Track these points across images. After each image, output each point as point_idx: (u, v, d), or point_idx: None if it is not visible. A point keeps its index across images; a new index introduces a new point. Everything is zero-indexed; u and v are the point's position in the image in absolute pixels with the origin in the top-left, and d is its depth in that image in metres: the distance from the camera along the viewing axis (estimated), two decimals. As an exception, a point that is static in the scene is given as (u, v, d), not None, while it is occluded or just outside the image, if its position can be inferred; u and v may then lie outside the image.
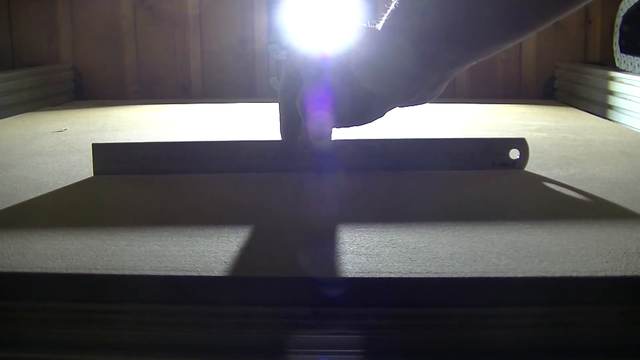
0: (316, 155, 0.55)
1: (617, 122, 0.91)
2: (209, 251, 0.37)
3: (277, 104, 0.53)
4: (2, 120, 0.95)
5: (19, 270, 0.34)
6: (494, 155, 0.57)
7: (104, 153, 0.56)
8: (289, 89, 0.51)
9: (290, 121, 0.53)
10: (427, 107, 0.55)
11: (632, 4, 1.00)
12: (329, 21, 1.20)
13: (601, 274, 0.33)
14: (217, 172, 0.56)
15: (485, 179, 0.56)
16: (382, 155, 0.58)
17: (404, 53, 0.45)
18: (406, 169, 0.57)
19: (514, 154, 0.58)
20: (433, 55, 0.45)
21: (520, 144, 0.58)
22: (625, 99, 0.90)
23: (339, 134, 0.53)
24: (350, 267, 0.34)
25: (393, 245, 0.38)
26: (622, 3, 1.03)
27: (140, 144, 0.58)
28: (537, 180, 0.55)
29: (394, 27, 0.46)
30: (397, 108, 0.51)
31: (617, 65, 1.03)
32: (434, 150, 0.58)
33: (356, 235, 0.40)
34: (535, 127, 0.84)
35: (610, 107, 0.95)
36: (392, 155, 0.58)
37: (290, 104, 0.51)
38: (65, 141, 0.75)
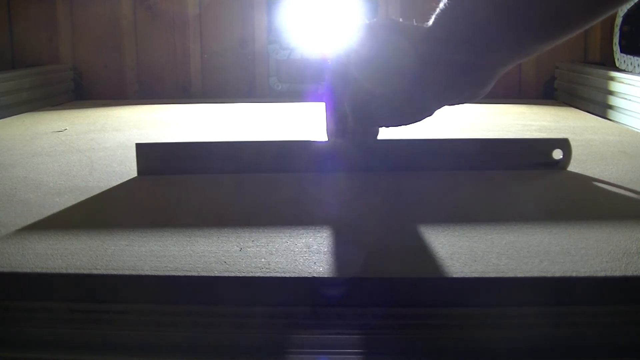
0: (363, 154, 0.55)
1: (617, 122, 0.91)
2: (209, 251, 0.37)
3: (324, 103, 0.54)
4: (2, 120, 0.95)
5: (19, 270, 0.34)
6: (536, 155, 0.58)
7: (146, 153, 0.57)
8: (336, 88, 0.52)
9: (337, 119, 0.53)
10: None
11: (632, 4, 1.00)
12: (328, 21, 1.20)
13: (601, 274, 0.33)
14: (255, 172, 0.56)
15: (485, 179, 0.56)
16: (424, 154, 0.58)
17: (451, 53, 0.45)
18: (447, 169, 0.57)
19: (557, 154, 0.58)
20: (482, 53, 0.45)
21: (563, 144, 0.58)
22: (625, 99, 0.90)
23: (387, 133, 0.53)
24: (350, 267, 0.34)
25: (393, 245, 0.38)
26: (622, 3, 1.03)
27: (180, 144, 0.59)
28: (537, 180, 0.55)
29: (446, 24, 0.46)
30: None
31: (617, 65, 1.03)
32: (476, 150, 0.58)
33: (356, 235, 0.40)
34: (535, 127, 0.84)
35: (610, 107, 0.95)
36: (432, 154, 0.58)
37: (338, 102, 0.52)
38: (65, 141, 0.75)
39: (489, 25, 0.44)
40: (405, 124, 0.51)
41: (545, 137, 0.60)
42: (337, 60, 0.52)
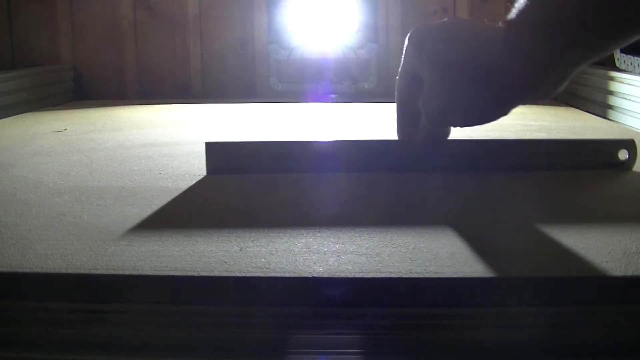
0: (434, 154, 0.56)
1: (617, 122, 0.91)
2: (209, 251, 0.37)
3: (395, 103, 0.54)
4: (2, 120, 0.95)
5: (19, 270, 0.34)
6: (600, 155, 0.58)
7: (215, 152, 0.57)
8: (408, 89, 0.52)
9: (408, 120, 0.53)
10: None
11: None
12: (328, 21, 1.20)
13: (601, 274, 0.33)
14: (330, 172, 0.56)
15: (484, 179, 0.56)
16: (491, 155, 0.58)
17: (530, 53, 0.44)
18: (517, 169, 0.57)
19: (623, 154, 0.58)
20: (558, 52, 0.44)
21: (629, 144, 0.58)
22: (625, 99, 0.90)
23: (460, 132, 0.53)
24: (350, 267, 0.34)
25: (393, 245, 0.38)
26: (622, 3, 1.02)
27: (252, 143, 0.59)
28: (536, 180, 0.55)
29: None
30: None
31: (617, 65, 1.03)
32: (545, 150, 0.59)
33: (356, 235, 0.40)
34: (535, 127, 0.84)
35: (610, 107, 0.95)
36: (501, 155, 0.58)
37: (409, 102, 0.52)
38: (65, 141, 0.75)
39: (574, 20, 0.42)
40: (480, 123, 0.50)
41: (610, 138, 0.60)
42: (407, 60, 0.51)
